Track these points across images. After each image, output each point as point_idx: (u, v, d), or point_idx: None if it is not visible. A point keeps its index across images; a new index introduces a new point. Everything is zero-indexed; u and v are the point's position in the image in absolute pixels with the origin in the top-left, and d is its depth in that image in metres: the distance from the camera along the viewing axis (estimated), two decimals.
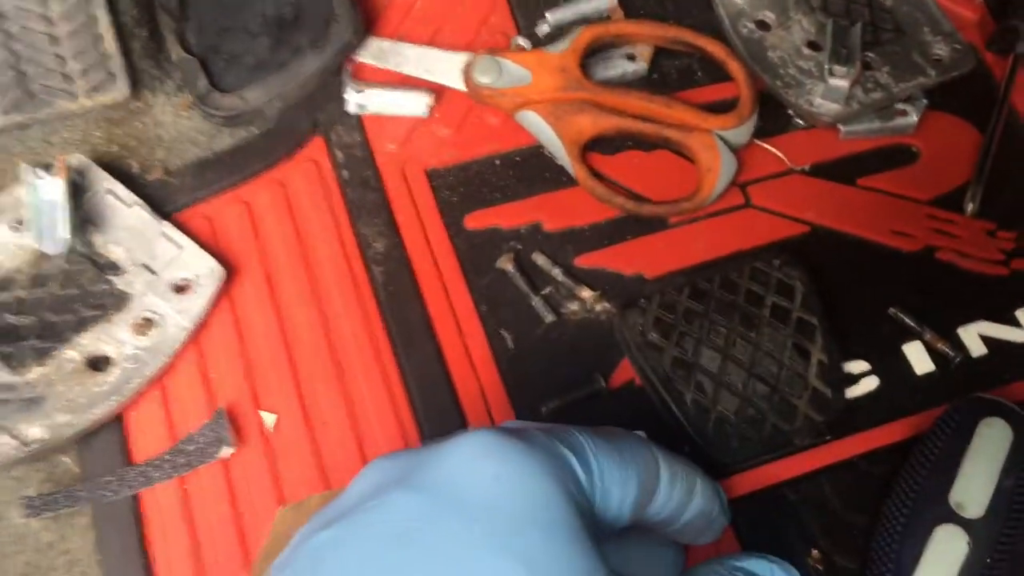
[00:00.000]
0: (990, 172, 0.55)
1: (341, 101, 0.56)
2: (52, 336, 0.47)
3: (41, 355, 0.46)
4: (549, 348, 0.50)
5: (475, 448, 0.32)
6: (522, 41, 0.58)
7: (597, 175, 0.54)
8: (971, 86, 0.59)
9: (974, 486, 0.42)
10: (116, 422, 0.46)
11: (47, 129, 0.54)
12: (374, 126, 0.56)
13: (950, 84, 0.58)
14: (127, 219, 0.50)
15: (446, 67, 0.57)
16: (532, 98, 0.55)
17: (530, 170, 0.55)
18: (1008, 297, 0.52)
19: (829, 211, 0.54)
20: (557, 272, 0.52)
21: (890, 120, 0.57)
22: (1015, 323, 0.51)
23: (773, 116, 0.57)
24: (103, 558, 0.43)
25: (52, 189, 0.48)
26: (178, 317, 0.48)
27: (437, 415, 0.48)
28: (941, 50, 0.58)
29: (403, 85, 0.56)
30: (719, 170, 0.53)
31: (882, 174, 0.56)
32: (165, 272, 0.49)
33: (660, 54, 0.59)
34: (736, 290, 0.50)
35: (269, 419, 0.47)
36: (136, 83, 0.56)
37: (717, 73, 0.58)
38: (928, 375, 0.50)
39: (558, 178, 0.55)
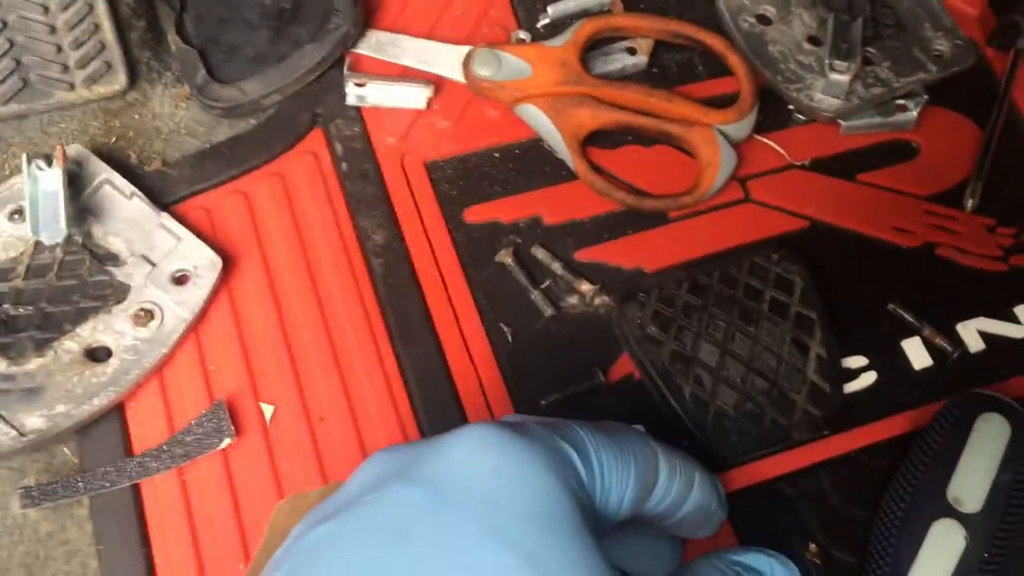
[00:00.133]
0: (990, 168, 0.55)
1: (340, 93, 0.56)
2: (51, 327, 0.47)
3: (40, 346, 0.46)
4: (548, 342, 0.50)
5: (475, 441, 0.32)
6: (522, 34, 0.58)
7: (597, 169, 0.54)
8: (972, 82, 0.58)
9: (972, 481, 0.42)
10: (115, 413, 0.46)
11: (45, 119, 0.54)
12: (373, 118, 0.56)
13: (951, 80, 0.58)
14: (126, 210, 0.50)
15: (445, 59, 0.57)
16: (532, 91, 0.55)
17: (530, 164, 0.55)
18: (1007, 293, 0.52)
19: (829, 206, 0.54)
20: (556, 266, 0.52)
21: (890, 115, 0.57)
22: (1014, 319, 0.51)
23: (773, 111, 0.57)
24: (102, 548, 0.43)
25: (51, 179, 0.48)
26: (177, 308, 0.48)
27: (436, 408, 0.48)
28: (942, 46, 0.58)
29: (402, 77, 0.56)
30: (719, 164, 0.53)
31: (882, 170, 0.56)
32: (164, 263, 0.49)
33: (660, 48, 0.58)
34: (735, 284, 0.50)
35: (267, 411, 0.47)
36: (134, 74, 0.56)
37: (717, 67, 0.57)
38: (926, 370, 0.50)
39: (558, 172, 0.55)
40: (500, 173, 0.55)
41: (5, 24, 0.54)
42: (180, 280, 0.49)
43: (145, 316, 0.47)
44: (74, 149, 0.51)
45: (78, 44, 0.55)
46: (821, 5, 0.59)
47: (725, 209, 0.54)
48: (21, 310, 0.47)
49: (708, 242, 0.53)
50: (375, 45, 0.58)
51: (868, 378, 0.50)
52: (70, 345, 0.47)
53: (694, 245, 0.53)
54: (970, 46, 0.59)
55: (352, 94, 0.55)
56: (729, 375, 0.48)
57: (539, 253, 0.52)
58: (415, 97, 0.56)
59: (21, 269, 0.48)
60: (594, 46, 0.58)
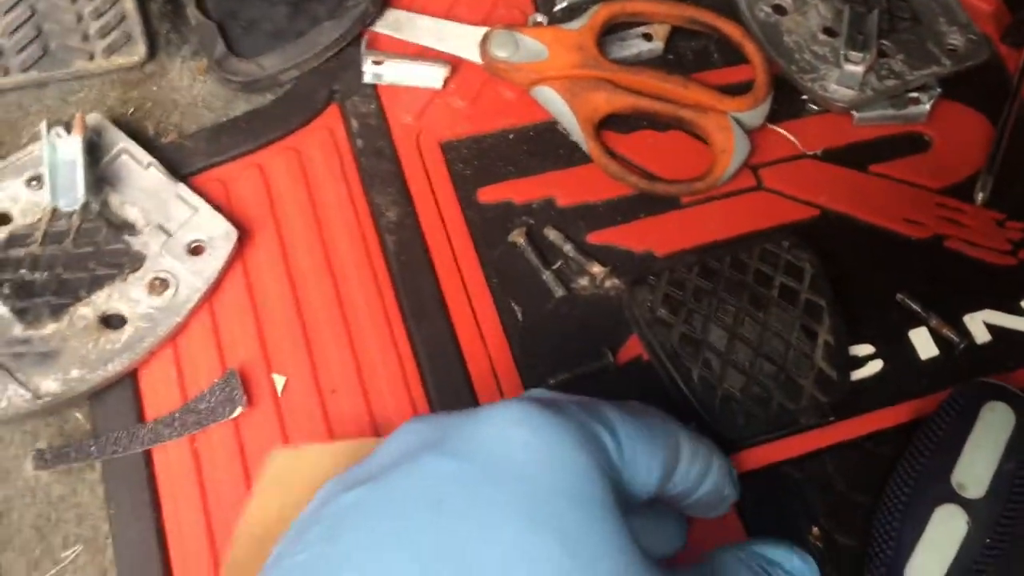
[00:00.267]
0: (1001, 163, 0.56)
1: (357, 71, 0.56)
2: (67, 293, 0.47)
3: (56, 311, 0.47)
4: (559, 322, 0.50)
5: (509, 417, 0.32)
6: (539, 17, 0.59)
7: (611, 152, 0.54)
8: (985, 77, 0.59)
9: (976, 468, 0.42)
10: (128, 380, 0.47)
11: (64, 88, 0.55)
12: (390, 97, 0.56)
13: (964, 74, 0.58)
14: (143, 180, 0.50)
15: (463, 40, 0.57)
16: (548, 74, 0.55)
17: (544, 146, 0.55)
18: (1015, 287, 0.53)
19: (840, 196, 0.55)
20: (568, 247, 0.52)
21: (903, 108, 0.57)
22: (1021, 312, 0.52)
23: (787, 100, 0.57)
24: (113, 512, 0.44)
25: (70, 147, 0.49)
26: (192, 278, 0.48)
27: (446, 384, 0.48)
28: (956, 40, 0.59)
29: (419, 57, 0.57)
30: (732, 151, 0.54)
31: (894, 161, 0.56)
32: (179, 233, 0.49)
33: (676, 34, 0.59)
34: (746, 270, 0.50)
35: (279, 381, 0.47)
36: (153, 46, 0.56)
37: (733, 55, 0.58)
38: (933, 360, 0.50)
39: (571, 155, 0.55)
40: (514, 154, 0.55)
41: None
42: (195, 250, 0.49)
43: (160, 285, 0.48)
44: (93, 118, 0.51)
45: (99, 14, 0.55)
46: None
47: (737, 196, 0.55)
48: (37, 275, 0.47)
49: (719, 228, 0.53)
50: (393, 23, 0.58)
51: (875, 366, 0.50)
52: (85, 311, 0.47)
53: (705, 231, 0.53)
54: (984, 41, 0.59)
55: (369, 72, 0.56)
56: (737, 359, 0.48)
57: (551, 234, 0.53)
58: (432, 76, 0.56)
59: (38, 235, 0.48)
60: (610, 31, 0.58)
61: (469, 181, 0.54)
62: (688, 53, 0.59)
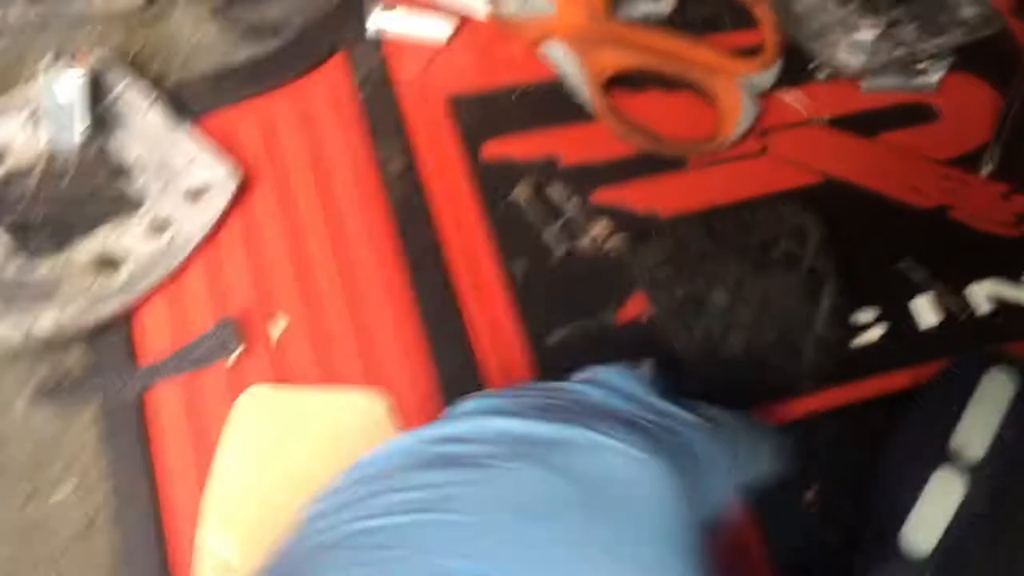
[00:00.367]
0: (1008, 136, 0.55)
1: (363, 21, 0.55)
2: (65, 232, 0.47)
3: (54, 250, 0.46)
4: (560, 280, 0.50)
5: (619, 452, 0.31)
6: None
7: (617, 112, 0.54)
8: (995, 50, 0.58)
9: (975, 433, 0.42)
10: (125, 321, 0.46)
11: (64, 31, 0.54)
12: (395, 49, 0.55)
13: (974, 46, 0.57)
14: (144, 121, 0.50)
15: None
16: (556, 30, 0.54)
17: (549, 103, 0.55)
18: (1019, 259, 0.52)
19: (847, 163, 0.54)
20: (571, 206, 0.52)
21: (913, 77, 0.57)
22: (1022, 284, 0.52)
23: (796, 66, 0.57)
24: (106, 451, 0.43)
25: (71, 86, 0.48)
26: (191, 222, 0.48)
27: (444, 337, 0.48)
28: (968, 12, 0.58)
29: (426, 10, 0.56)
30: (740, 114, 0.53)
31: (901, 130, 0.56)
32: (180, 176, 0.49)
33: None
34: (750, 233, 0.50)
35: (277, 327, 0.47)
36: None
37: (743, 19, 0.57)
38: (934, 329, 0.50)
39: (577, 113, 0.54)
40: (519, 111, 0.54)
41: None
42: (196, 194, 0.48)
43: (159, 228, 0.47)
44: (96, 56, 0.50)
45: None
46: None
47: (743, 160, 0.54)
48: (35, 214, 0.47)
49: (724, 191, 0.53)
50: None
51: (876, 333, 0.50)
52: (83, 251, 0.46)
53: (710, 193, 0.53)
54: (996, 14, 0.58)
55: (375, 23, 0.55)
56: (739, 321, 0.48)
57: (554, 192, 0.52)
58: (438, 30, 0.55)
59: (37, 173, 0.48)
60: None
61: (473, 136, 0.53)
62: (698, 15, 0.58)
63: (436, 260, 0.49)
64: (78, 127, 0.48)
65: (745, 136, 0.54)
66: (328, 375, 0.46)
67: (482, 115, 0.54)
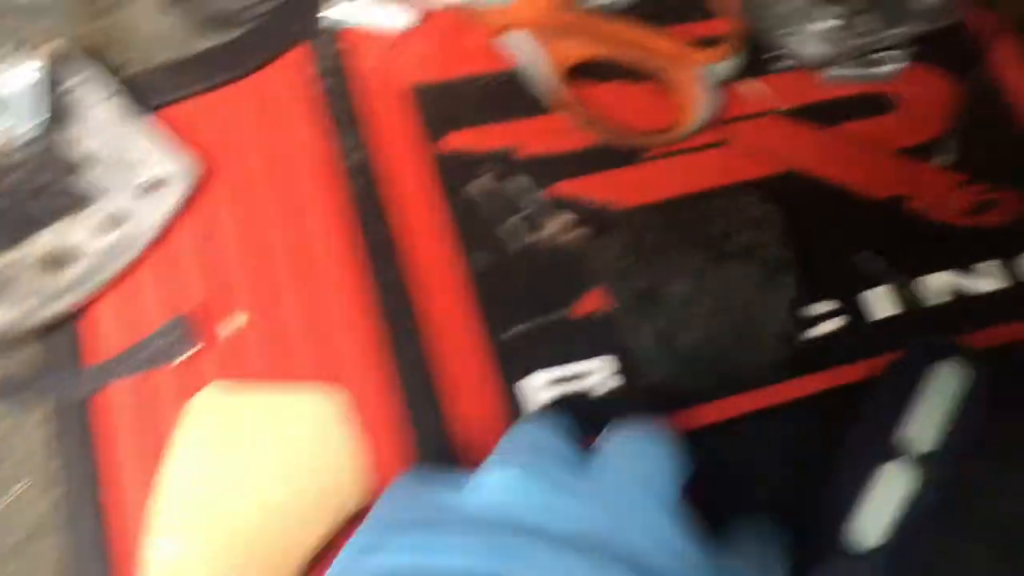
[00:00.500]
0: (965, 126, 0.56)
1: (323, 11, 0.55)
2: (15, 226, 0.46)
3: (5, 247, 0.46)
4: (519, 273, 0.50)
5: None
6: None
7: (577, 102, 0.54)
8: (954, 39, 0.58)
9: (924, 426, 0.43)
10: (76, 319, 0.46)
11: (22, 22, 0.53)
12: (355, 39, 0.55)
13: (933, 36, 0.57)
14: (102, 112, 0.49)
15: None
16: (516, 19, 0.54)
17: (510, 94, 0.54)
18: (973, 249, 0.53)
19: (806, 154, 0.54)
20: (530, 198, 0.52)
21: (873, 67, 0.57)
22: (978, 274, 0.52)
23: (759, 55, 0.57)
24: (57, 451, 0.43)
25: (29, 74, 0.47)
26: (148, 215, 0.47)
27: (403, 334, 0.48)
28: (928, 1, 0.58)
29: None
30: (700, 104, 0.53)
31: (861, 120, 0.56)
32: (136, 170, 0.48)
33: None
34: (709, 224, 0.50)
35: (232, 324, 0.47)
36: None
37: (707, 9, 0.57)
38: (890, 320, 0.51)
39: (537, 104, 0.54)
40: (479, 102, 0.54)
41: None
42: (151, 188, 0.48)
43: (113, 222, 0.47)
44: (53, 47, 0.50)
45: None
46: None
47: (703, 150, 0.54)
48: None
49: (684, 182, 0.53)
50: None
51: (833, 324, 0.50)
52: (34, 246, 0.46)
53: (670, 184, 0.53)
54: (954, 3, 0.58)
55: (335, 12, 0.55)
56: (696, 313, 0.48)
57: (513, 184, 0.52)
58: (398, 19, 0.55)
59: None
60: None
61: (433, 127, 0.53)
62: (660, 5, 0.58)
63: (395, 254, 0.49)
64: (35, 119, 0.48)
65: (705, 126, 0.54)
66: (284, 373, 0.46)
67: (442, 106, 0.54)
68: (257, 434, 0.44)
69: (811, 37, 0.56)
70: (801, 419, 0.48)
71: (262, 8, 0.55)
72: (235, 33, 0.54)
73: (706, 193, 0.53)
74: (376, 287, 0.48)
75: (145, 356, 0.45)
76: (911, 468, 0.42)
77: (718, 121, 0.55)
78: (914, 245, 0.53)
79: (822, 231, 0.52)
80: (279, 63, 0.54)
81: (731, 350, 0.48)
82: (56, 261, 0.46)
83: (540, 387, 0.47)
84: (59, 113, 0.49)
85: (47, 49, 0.50)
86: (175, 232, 0.48)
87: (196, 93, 0.52)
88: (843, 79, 0.57)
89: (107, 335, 0.46)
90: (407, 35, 0.55)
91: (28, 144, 0.47)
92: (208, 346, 0.46)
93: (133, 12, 0.54)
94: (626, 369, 0.48)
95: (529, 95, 0.54)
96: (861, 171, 0.54)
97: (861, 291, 0.51)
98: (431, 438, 0.46)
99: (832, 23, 0.55)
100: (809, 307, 0.50)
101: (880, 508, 0.41)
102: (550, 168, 0.53)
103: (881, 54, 0.57)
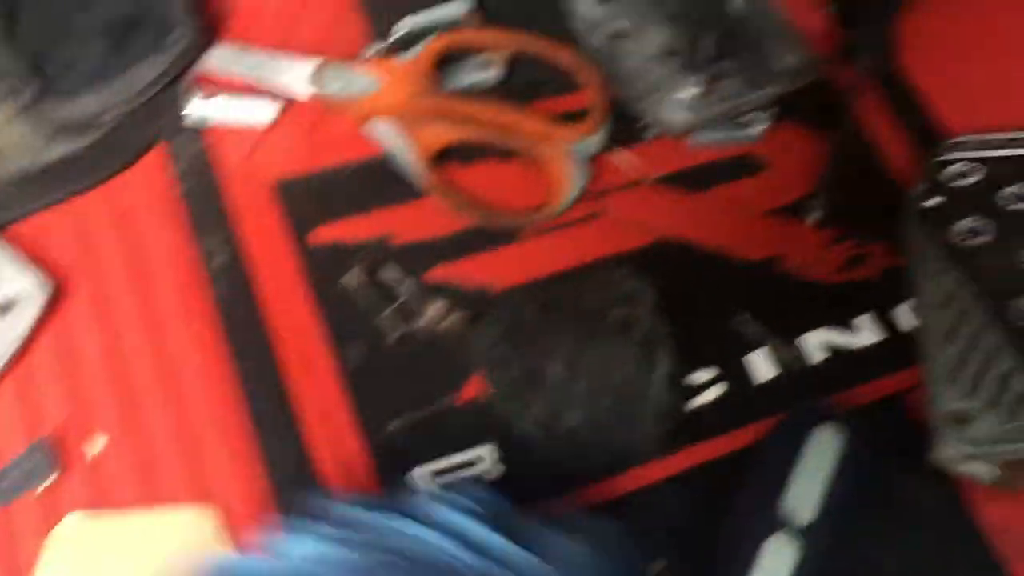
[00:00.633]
0: (833, 183, 0.56)
1: (182, 110, 0.54)
2: None
3: None
4: (396, 364, 0.49)
5: None
6: (375, 49, 0.57)
7: (448, 186, 0.53)
8: (818, 97, 0.60)
9: (804, 495, 0.43)
10: None
11: None
12: (218, 136, 0.54)
13: (796, 94, 0.59)
14: None
15: (294, 75, 0.55)
16: (381, 107, 0.54)
17: (380, 182, 0.54)
18: (847, 305, 0.53)
19: (678, 221, 0.55)
20: (405, 286, 0.51)
21: (739, 130, 0.58)
22: (853, 330, 0.53)
23: (626, 126, 0.57)
24: None
25: None
26: (1, 338, 0.45)
27: (276, 439, 0.46)
28: (789, 61, 0.59)
29: (249, 93, 0.55)
30: (570, 180, 0.53)
31: (730, 184, 0.56)
32: None
33: (515, 63, 0.58)
34: (583, 302, 0.50)
35: (96, 445, 0.45)
36: None
37: (569, 83, 0.57)
38: (772, 382, 0.51)
39: (408, 190, 0.54)
40: (349, 192, 0.54)
41: None
42: (2, 310, 0.46)
43: None
44: None
45: None
46: (673, 21, 0.60)
47: (577, 225, 0.54)
48: None
49: (560, 259, 0.53)
50: (220, 59, 0.56)
51: (715, 392, 0.50)
52: None
53: (546, 262, 0.53)
54: (816, 62, 0.60)
55: (194, 111, 0.54)
56: (576, 393, 0.48)
57: (388, 274, 0.51)
58: (261, 113, 0.54)
59: None
60: (448, 61, 0.57)
61: (302, 221, 0.52)
62: (527, 82, 0.58)
63: (265, 356, 0.48)
64: None
65: (577, 201, 0.54)
66: (152, 494, 0.44)
67: (311, 198, 0.53)
68: (124, 563, 0.42)
69: (675, 105, 0.56)
70: (688, 491, 0.47)
71: (121, 109, 0.53)
72: (90, 139, 0.53)
73: (581, 269, 0.53)
74: (245, 395, 0.47)
75: (5, 486, 0.43)
76: (793, 539, 0.42)
77: (590, 194, 0.55)
78: (790, 305, 0.53)
79: (698, 297, 0.52)
80: (137, 167, 0.52)
81: (613, 429, 0.47)
82: None
83: (424, 481, 0.46)
84: None
85: None
86: (32, 352, 0.46)
87: (50, 204, 0.50)
88: (710, 143, 0.57)
89: None
90: (271, 129, 0.54)
91: None
92: (71, 471, 0.44)
93: None
94: (509, 455, 0.47)
95: (400, 182, 0.54)
96: (733, 234, 0.55)
97: (741, 355, 0.51)
98: None
99: (694, 91, 0.56)
100: (690, 376, 0.50)
101: None
102: (425, 254, 0.52)
103: (746, 116, 0.58)
